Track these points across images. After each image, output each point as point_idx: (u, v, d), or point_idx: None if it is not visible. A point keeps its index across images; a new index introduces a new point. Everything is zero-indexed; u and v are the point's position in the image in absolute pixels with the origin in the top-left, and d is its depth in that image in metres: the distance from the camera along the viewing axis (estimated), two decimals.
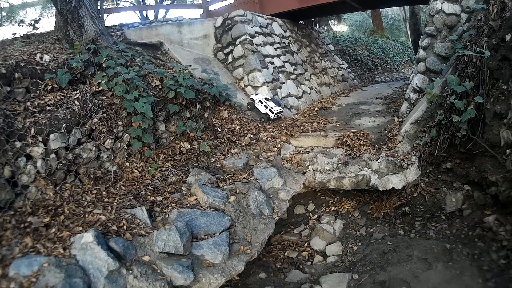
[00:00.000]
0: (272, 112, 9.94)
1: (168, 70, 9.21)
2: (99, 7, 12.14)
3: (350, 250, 6.77)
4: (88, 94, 6.89)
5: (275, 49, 12.76)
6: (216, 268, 5.14)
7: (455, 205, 6.80)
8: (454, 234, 6.29)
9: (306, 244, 7.29)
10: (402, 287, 5.20)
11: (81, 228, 5.08)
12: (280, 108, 10.19)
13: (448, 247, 5.73)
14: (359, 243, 6.89)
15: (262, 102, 10.09)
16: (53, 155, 5.92)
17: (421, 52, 8.58)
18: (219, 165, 7.75)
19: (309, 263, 6.84)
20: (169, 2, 22.00)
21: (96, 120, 6.68)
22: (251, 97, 10.52)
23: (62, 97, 6.68)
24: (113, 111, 7.08)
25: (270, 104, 10.04)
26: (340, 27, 43.52)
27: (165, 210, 6.05)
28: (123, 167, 6.94)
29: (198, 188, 6.46)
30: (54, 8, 9.30)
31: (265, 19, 13.27)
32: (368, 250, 6.46)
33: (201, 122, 8.63)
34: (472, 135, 6.40)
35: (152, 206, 6.12)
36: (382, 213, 7.35)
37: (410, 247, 5.94)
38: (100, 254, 4.61)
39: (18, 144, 5.54)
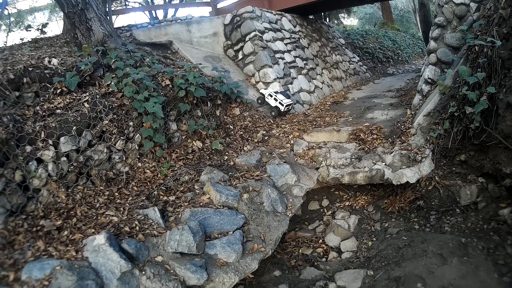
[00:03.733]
0: (282, 105, 9.90)
1: (178, 69, 9.18)
2: (107, 9, 12.16)
3: (365, 246, 6.71)
4: (97, 96, 6.89)
5: (285, 44, 12.72)
6: (230, 267, 5.12)
7: (469, 198, 6.72)
8: (469, 228, 6.21)
9: (320, 241, 7.25)
10: (418, 283, 5.14)
11: (93, 230, 5.07)
12: (290, 100, 10.14)
13: (463, 241, 5.67)
14: (374, 239, 6.84)
15: (271, 96, 10.06)
16: (64, 158, 5.91)
17: (432, 43, 8.48)
18: (231, 163, 7.73)
19: (324, 259, 6.81)
20: (177, 1, 21.98)
21: (107, 121, 6.68)
22: (260, 91, 10.50)
23: (71, 100, 6.67)
24: (123, 112, 7.07)
25: (280, 97, 10.01)
26: (350, 21, 43.29)
27: (178, 209, 6.02)
28: (135, 168, 6.93)
29: (210, 186, 6.43)
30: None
31: (274, 14, 13.22)
32: (383, 245, 6.40)
33: (213, 120, 8.60)
34: (486, 126, 6.29)
35: (164, 206, 6.10)
36: (397, 208, 7.29)
37: (425, 242, 5.88)
38: (113, 255, 4.60)
39: (28, 148, 5.54)
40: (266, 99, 10.19)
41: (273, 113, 10.08)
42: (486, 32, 6.60)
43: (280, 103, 9.94)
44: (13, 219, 4.96)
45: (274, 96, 10.02)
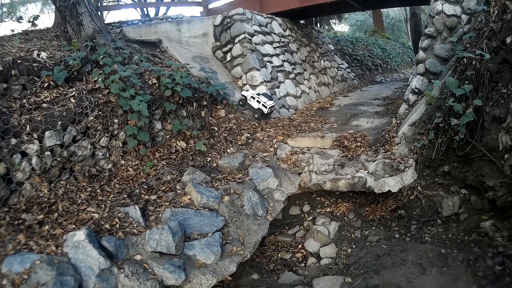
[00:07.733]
0: (266, 107, 9.89)
1: (166, 68, 9.15)
2: (98, 4, 12.12)
3: (344, 253, 6.75)
4: (84, 92, 6.87)
5: (274, 48, 12.74)
6: (208, 268, 5.14)
7: (451, 209, 6.77)
8: (450, 239, 6.26)
9: (300, 246, 7.28)
10: None
11: (74, 226, 5.08)
12: (272, 102, 10.14)
13: (444, 252, 5.71)
14: (354, 246, 6.88)
15: (254, 98, 10.05)
16: (48, 153, 5.89)
17: (421, 54, 8.55)
18: (214, 165, 7.73)
19: (302, 264, 6.84)
20: (169, 0, 21.90)
21: (92, 118, 6.66)
22: (242, 93, 10.46)
23: (58, 95, 6.66)
24: (109, 109, 7.06)
25: (263, 99, 10.00)
26: (341, 27, 43.56)
27: (159, 209, 6.04)
28: (118, 165, 6.92)
29: (192, 187, 6.44)
30: None
31: (265, 18, 13.24)
32: (362, 253, 6.44)
33: (198, 121, 8.60)
34: (471, 138, 6.36)
35: (146, 205, 6.10)
36: (378, 216, 7.34)
37: (405, 251, 5.93)
38: (92, 252, 4.61)
39: (13, 141, 5.53)
40: (248, 101, 10.18)
41: (256, 115, 10.06)
42: (476, 45, 6.66)
43: (263, 105, 9.92)
44: None
45: (256, 98, 10.01)
